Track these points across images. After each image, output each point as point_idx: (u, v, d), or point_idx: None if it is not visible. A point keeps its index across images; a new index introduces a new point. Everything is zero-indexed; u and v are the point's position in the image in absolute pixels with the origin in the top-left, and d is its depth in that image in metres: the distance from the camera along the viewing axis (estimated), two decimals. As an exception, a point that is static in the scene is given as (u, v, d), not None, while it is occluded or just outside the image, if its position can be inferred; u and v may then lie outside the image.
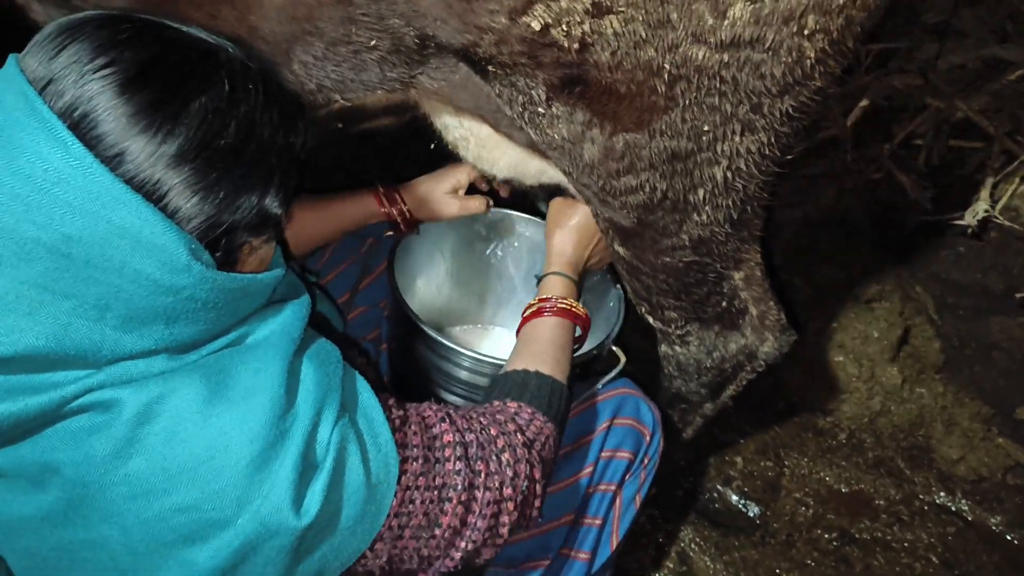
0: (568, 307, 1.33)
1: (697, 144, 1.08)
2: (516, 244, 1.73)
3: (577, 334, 1.36)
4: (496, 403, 1.15)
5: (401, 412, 1.01)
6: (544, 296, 1.35)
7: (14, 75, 0.78)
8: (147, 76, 0.79)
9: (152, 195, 0.78)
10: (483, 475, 1.02)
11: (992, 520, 1.96)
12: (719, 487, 1.96)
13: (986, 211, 2.10)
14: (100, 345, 0.79)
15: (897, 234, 2.27)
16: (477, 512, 1.01)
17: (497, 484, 1.03)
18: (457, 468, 1.00)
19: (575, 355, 1.36)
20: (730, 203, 1.17)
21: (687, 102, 1.02)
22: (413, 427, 1.00)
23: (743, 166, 1.11)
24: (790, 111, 1.04)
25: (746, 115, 1.04)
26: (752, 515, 1.93)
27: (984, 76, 2.24)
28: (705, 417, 1.67)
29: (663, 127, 1.06)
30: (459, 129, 1.32)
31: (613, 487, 1.42)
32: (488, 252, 1.75)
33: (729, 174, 1.12)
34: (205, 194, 0.81)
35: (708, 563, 1.84)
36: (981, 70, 2.26)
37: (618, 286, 1.59)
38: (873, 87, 2.29)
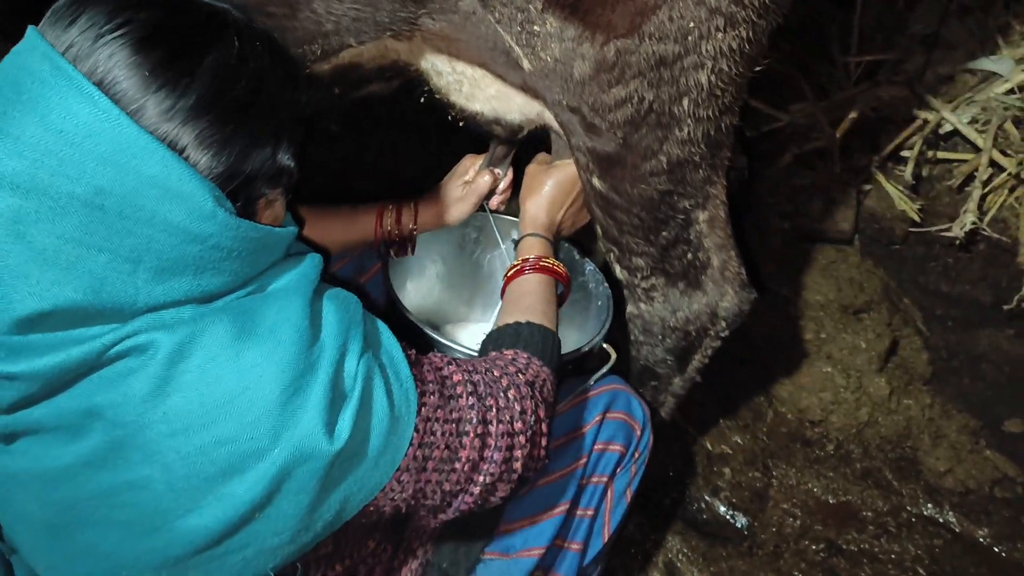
0: (548, 264, 1.40)
1: (684, 46, 1.13)
2: (505, 246, 1.74)
3: (559, 291, 1.42)
4: (493, 353, 1.21)
5: (413, 351, 1.05)
6: (524, 256, 1.41)
7: (36, 42, 0.82)
8: (161, 34, 0.83)
9: (173, 148, 0.82)
10: (494, 410, 1.07)
11: (979, 532, 1.95)
12: (707, 497, 1.95)
13: (973, 223, 2.10)
14: (135, 298, 0.83)
15: (885, 245, 2.27)
16: (492, 445, 1.06)
17: (508, 418, 1.08)
18: (470, 403, 1.04)
19: (567, 353, 1.40)
20: (710, 114, 1.22)
21: None
22: (425, 366, 1.05)
23: (725, 67, 1.16)
24: (767, 0, 1.11)
25: (728, 7, 1.10)
26: (739, 526, 1.92)
27: (972, 88, 2.25)
28: (676, 396, 1.69)
29: (652, 29, 1.11)
30: (452, 74, 1.37)
31: (605, 479, 1.45)
32: (478, 255, 1.77)
33: (713, 78, 1.17)
34: (222, 146, 0.85)
35: (695, 574, 1.83)
36: (969, 82, 2.27)
37: (606, 286, 1.62)
38: (861, 98, 2.29)
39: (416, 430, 0.98)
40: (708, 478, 1.97)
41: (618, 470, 1.47)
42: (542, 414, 1.13)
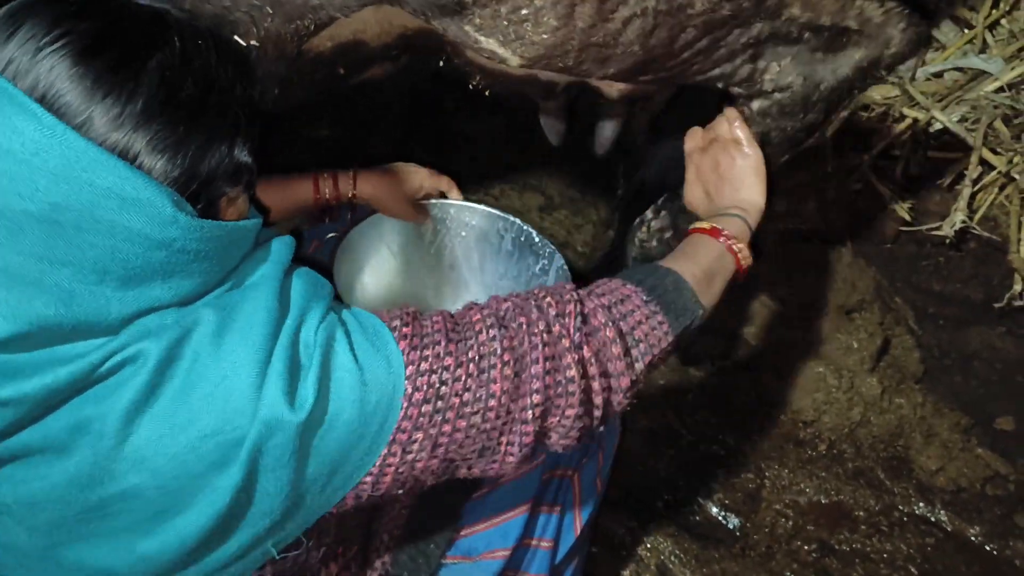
0: (737, 250, 1.25)
1: None
2: (463, 234, 1.72)
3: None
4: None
5: (410, 311, 1.00)
6: (720, 227, 1.26)
7: None
8: (101, 43, 0.81)
9: (125, 156, 0.81)
10: (523, 327, 1.00)
11: (971, 531, 1.96)
12: (699, 499, 1.96)
13: (964, 222, 2.11)
14: (107, 308, 0.82)
15: (877, 244, 2.28)
16: (528, 363, 0.99)
17: (542, 328, 1.00)
18: (491, 335, 0.98)
19: None
20: None
21: None
22: (434, 318, 1.00)
23: None
24: None
25: None
26: (732, 527, 1.93)
27: (962, 87, 2.26)
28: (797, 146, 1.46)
29: None
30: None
31: (570, 471, 1.40)
32: (436, 243, 1.74)
33: None
34: (175, 149, 0.83)
35: (688, 576, 1.84)
36: (959, 80, 2.28)
37: (568, 273, 1.57)
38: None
39: (415, 387, 0.94)
40: (701, 480, 1.98)
41: (584, 460, 1.41)
42: (598, 321, 1.04)
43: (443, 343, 0.97)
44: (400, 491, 0.99)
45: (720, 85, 1.29)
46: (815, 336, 2.16)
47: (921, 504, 2.00)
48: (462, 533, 1.34)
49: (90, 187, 0.78)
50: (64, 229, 0.78)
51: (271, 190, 1.49)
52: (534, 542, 1.40)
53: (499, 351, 0.98)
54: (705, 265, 1.20)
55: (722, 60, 1.24)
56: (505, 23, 1.15)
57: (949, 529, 1.97)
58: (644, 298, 1.09)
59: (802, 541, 1.91)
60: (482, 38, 1.18)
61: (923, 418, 2.10)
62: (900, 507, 1.99)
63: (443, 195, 1.68)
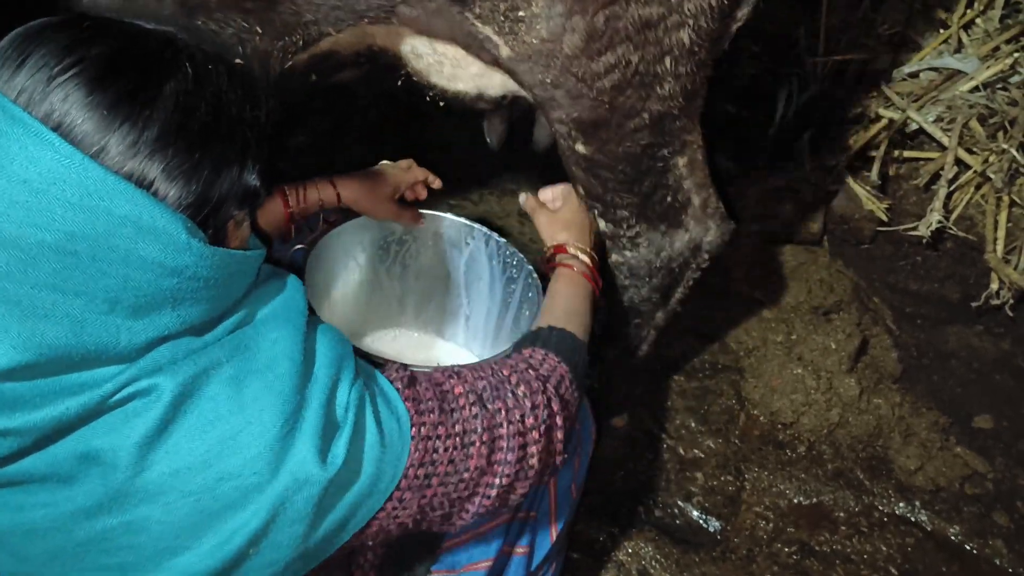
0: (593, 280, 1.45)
1: (667, 7, 1.19)
2: (430, 243, 1.71)
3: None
4: (513, 355, 1.23)
5: (407, 372, 1.06)
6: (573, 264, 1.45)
7: None
8: (114, 70, 0.81)
9: (141, 183, 0.80)
10: (503, 412, 1.07)
11: (951, 530, 1.97)
12: (679, 503, 1.95)
13: (940, 222, 2.11)
14: (116, 337, 0.81)
15: (854, 245, 2.28)
16: (504, 447, 1.07)
17: (518, 417, 1.08)
18: (473, 413, 1.05)
19: (500, 353, 1.39)
20: (689, 70, 1.29)
21: None
22: (424, 384, 1.06)
23: (704, 24, 1.23)
24: None
25: None
26: (712, 530, 1.93)
27: (938, 86, 2.26)
28: (658, 328, 1.75)
29: None
30: (433, 55, 1.40)
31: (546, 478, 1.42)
32: (402, 253, 1.73)
33: (693, 35, 1.24)
34: (190, 175, 0.83)
35: (669, 580, 1.84)
36: (935, 80, 2.28)
37: (539, 284, 1.59)
38: (829, 99, 2.30)
39: (416, 450, 0.99)
40: (681, 483, 1.97)
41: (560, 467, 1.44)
42: (556, 408, 1.13)
43: (436, 412, 1.02)
44: (370, 542, 1.03)
45: (603, 222, 1.54)
46: (793, 338, 2.16)
47: (900, 504, 2.00)
48: (445, 546, 1.34)
49: (107, 216, 0.78)
50: (79, 259, 0.78)
51: None
52: (511, 550, 1.40)
53: (479, 430, 1.04)
54: (567, 317, 1.34)
55: (636, 177, 1.45)
56: (502, 18, 1.21)
57: (929, 529, 1.97)
58: (569, 372, 1.21)
59: (782, 543, 1.91)
60: (479, 24, 1.23)
61: (902, 418, 2.10)
62: (880, 507, 1.99)
63: (427, 188, 1.65)
